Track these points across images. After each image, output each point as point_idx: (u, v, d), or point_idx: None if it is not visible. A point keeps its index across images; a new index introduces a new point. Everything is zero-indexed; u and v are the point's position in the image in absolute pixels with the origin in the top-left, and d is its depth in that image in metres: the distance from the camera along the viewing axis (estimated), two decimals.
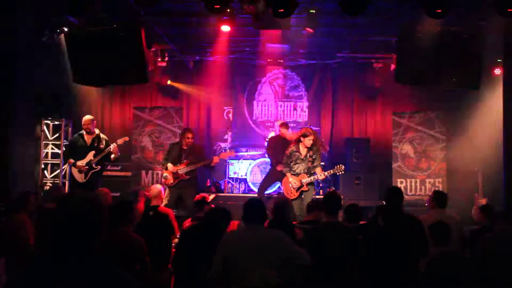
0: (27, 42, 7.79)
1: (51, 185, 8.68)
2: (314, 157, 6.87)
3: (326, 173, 6.95)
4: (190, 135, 7.28)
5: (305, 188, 6.82)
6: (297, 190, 6.82)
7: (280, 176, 7.39)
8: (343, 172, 7.02)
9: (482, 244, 4.05)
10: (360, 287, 4.10)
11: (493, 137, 8.57)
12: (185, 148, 7.25)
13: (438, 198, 5.07)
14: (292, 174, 6.87)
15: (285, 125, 8.25)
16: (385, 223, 4.17)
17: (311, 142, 6.79)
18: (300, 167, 6.87)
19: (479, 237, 4.24)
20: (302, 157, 6.85)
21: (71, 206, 1.88)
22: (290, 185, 6.85)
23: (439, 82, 7.31)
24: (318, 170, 6.91)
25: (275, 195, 7.44)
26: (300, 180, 6.82)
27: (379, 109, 10.45)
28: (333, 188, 8.76)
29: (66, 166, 8.73)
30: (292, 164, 6.89)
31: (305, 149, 6.84)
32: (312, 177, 6.86)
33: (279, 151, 7.54)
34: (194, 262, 3.97)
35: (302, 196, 6.83)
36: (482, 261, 3.88)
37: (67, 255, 1.83)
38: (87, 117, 7.44)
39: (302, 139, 6.80)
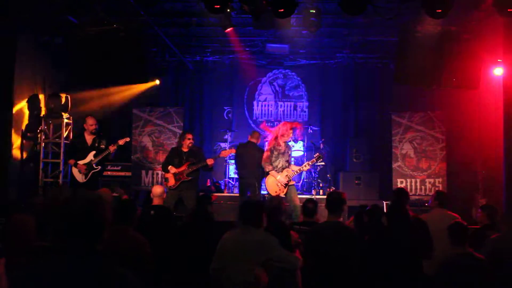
0: (27, 42, 7.80)
1: (52, 184, 8.67)
2: (289, 153, 7.12)
3: (310, 162, 7.19)
4: (190, 136, 7.30)
5: (291, 182, 6.97)
6: (285, 186, 6.89)
7: (248, 183, 7.54)
8: (322, 159, 7.27)
9: (490, 245, 4.04)
10: (360, 287, 4.10)
11: (493, 137, 8.58)
12: (185, 150, 7.24)
13: (441, 197, 5.10)
14: (276, 171, 6.93)
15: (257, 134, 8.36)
16: (389, 223, 4.16)
17: (290, 137, 7.06)
18: (281, 162, 6.96)
19: (481, 236, 4.24)
20: (282, 151, 6.97)
21: (75, 206, 1.89)
22: (278, 183, 6.88)
23: (439, 82, 7.32)
24: (292, 166, 7.18)
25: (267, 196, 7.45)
26: (286, 175, 6.90)
27: (379, 109, 10.44)
28: (333, 188, 8.77)
29: (66, 166, 8.73)
30: (273, 159, 6.95)
31: (284, 144, 7.00)
32: (297, 169, 7.07)
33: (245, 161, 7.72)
34: (187, 261, 4.00)
35: (288, 191, 6.91)
36: (490, 262, 3.87)
37: (70, 254, 1.83)
38: (92, 118, 7.43)
39: (283, 133, 6.96)
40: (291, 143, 9.28)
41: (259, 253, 3.63)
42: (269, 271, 3.64)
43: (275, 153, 6.95)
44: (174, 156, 7.27)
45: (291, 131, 6.98)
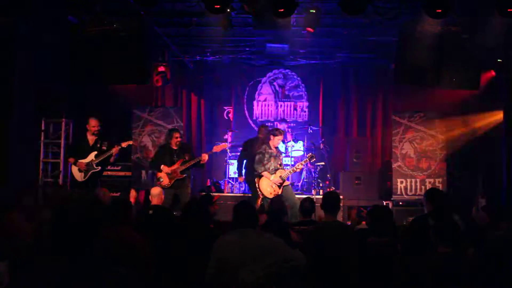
0: (27, 42, 7.78)
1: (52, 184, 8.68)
2: (281, 156, 7.24)
3: (303, 162, 7.38)
4: (177, 135, 7.34)
5: (286, 182, 7.07)
6: (279, 187, 6.95)
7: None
8: (314, 159, 7.43)
9: (486, 244, 4.04)
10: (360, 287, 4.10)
11: (493, 137, 8.59)
12: (175, 148, 7.26)
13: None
14: (269, 173, 6.99)
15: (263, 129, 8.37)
16: (436, 225, 4.13)
17: (279, 142, 7.13)
18: (273, 164, 7.03)
19: (482, 236, 4.24)
20: (274, 154, 7.06)
21: (70, 207, 1.89)
22: (272, 184, 6.94)
23: (439, 82, 7.32)
24: (286, 168, 7.31)
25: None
26: (280, 176, 6.96)
27: (379, 109, 10.45)
28: (333, 188, 8.77)
29: (66, 167, 8.73)
30: (265, 162, 7.01)
31: (274, 148, 7.10)
32: (290, 169, 7.16)
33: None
34: (186, 261, 3.97)
35: (284, 191, 6.97)
36: (486, 261, 3.87)
37: (67, 255, 1.83)
38: (95, 119, 7.42)
39: (272, 137, 7.06)
40: (291, 143, 9.33)
41: (272, 255, 3.53)
42: (274, 272, 3.58)
43: (267, 156, 7.03)
44: (164, 154, 7.28)
45: (274, 137, 7.06)
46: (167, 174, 7.13)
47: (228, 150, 9.44)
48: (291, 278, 3.73)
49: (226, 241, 3.67)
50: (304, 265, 3.71)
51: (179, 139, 7.29)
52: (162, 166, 7.17)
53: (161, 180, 7.13)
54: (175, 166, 7.14)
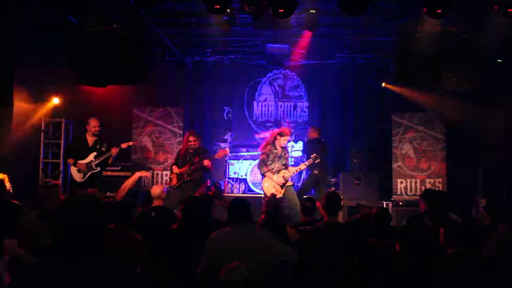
0: (27, 42, 7.78)
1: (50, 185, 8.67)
2: (287, 156, 7.27)
3: (307, 162, 7.37)
4: (192, 138, 7.43)
5: (289, 183, 7.08)
6: (282, 187, 7.00)
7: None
8: (318, 160, 7.36)
9: (488, 244, 4.04)
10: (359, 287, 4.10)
11: (493, 137, 8.59)
12: (191, 151, 7.41)
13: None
14: (272, 173, 7.03)
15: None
16: (434, 225, 4.12)
17: (285, 142, 7.15)
18: (277, 165, 7.07)
19: (483, 237, 4.23)
20: (279, 155, 7.09)
21: (72, 207, 1.89)
22: (275, 184, 6.98)
23: (439, 82, 7.32)
24: (290, 167, 7.29)
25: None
26: (283, 176, 7.00)
27: (379, 109, 10.45)
28: (333, 188, 8.78)
29: (66, 167, 8.72)
30: (269, 162, 7.05)
31: (280, 148, 7.11)
32: (294, 169, 7.17)
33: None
34: (180, 261, 3.98)
35: (286, 191, 7.01)
36: (488, 261, 3.87)
37: (69, 255, 1.83)
38: (95, 120, 7.41)
39: (278, 137, 7.08)
40: (291, 143, 9.33)
41: (263, 251, 3.55)
42: (269, 269, 3.59)
43: (271, 156, 7.08)
44: (181, 156, 7.53)
45: (280, 137, 7.07)
46: (176, 175, 7.36)
47: (228, 150, 9.44)
48: (283, 275, 3.74)
49: (218, 237, 3.70)
50: (297, 262, 3.72)
51: (192, 143, 7.43)
52: (173, 167, 7.44)
53: (171, 180, 7.45)
54: (183, 169, 7.33)
